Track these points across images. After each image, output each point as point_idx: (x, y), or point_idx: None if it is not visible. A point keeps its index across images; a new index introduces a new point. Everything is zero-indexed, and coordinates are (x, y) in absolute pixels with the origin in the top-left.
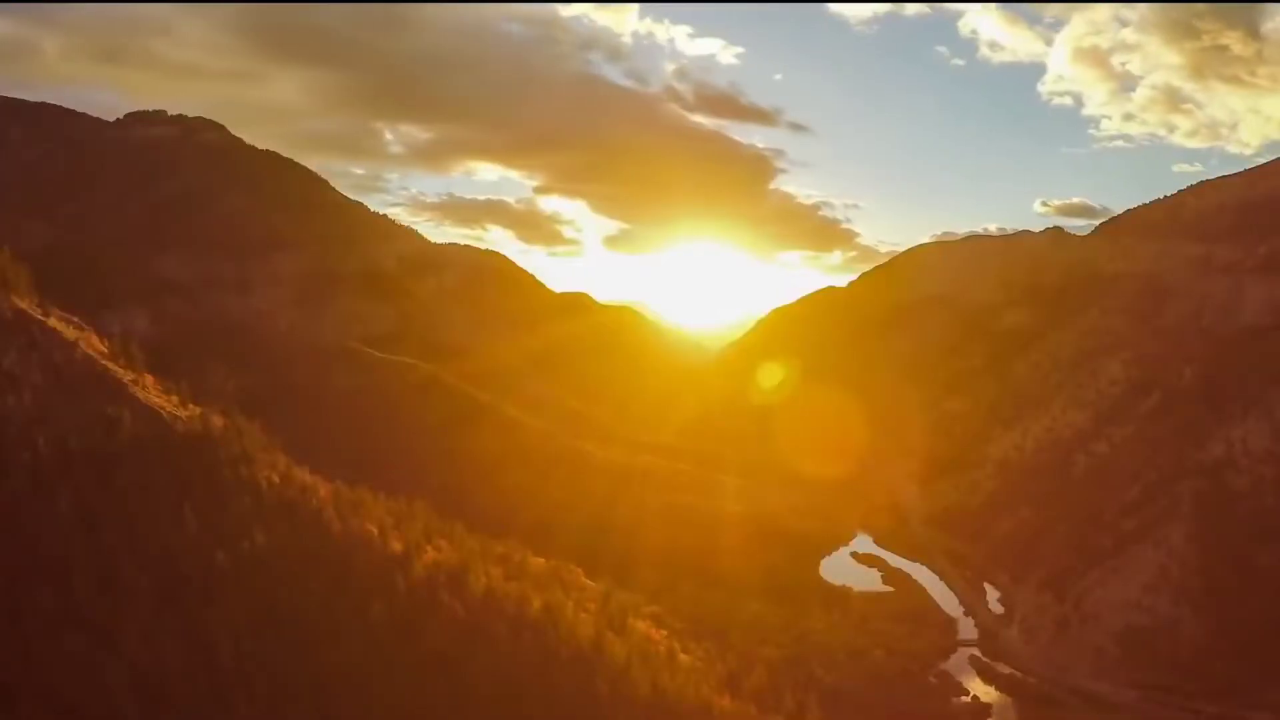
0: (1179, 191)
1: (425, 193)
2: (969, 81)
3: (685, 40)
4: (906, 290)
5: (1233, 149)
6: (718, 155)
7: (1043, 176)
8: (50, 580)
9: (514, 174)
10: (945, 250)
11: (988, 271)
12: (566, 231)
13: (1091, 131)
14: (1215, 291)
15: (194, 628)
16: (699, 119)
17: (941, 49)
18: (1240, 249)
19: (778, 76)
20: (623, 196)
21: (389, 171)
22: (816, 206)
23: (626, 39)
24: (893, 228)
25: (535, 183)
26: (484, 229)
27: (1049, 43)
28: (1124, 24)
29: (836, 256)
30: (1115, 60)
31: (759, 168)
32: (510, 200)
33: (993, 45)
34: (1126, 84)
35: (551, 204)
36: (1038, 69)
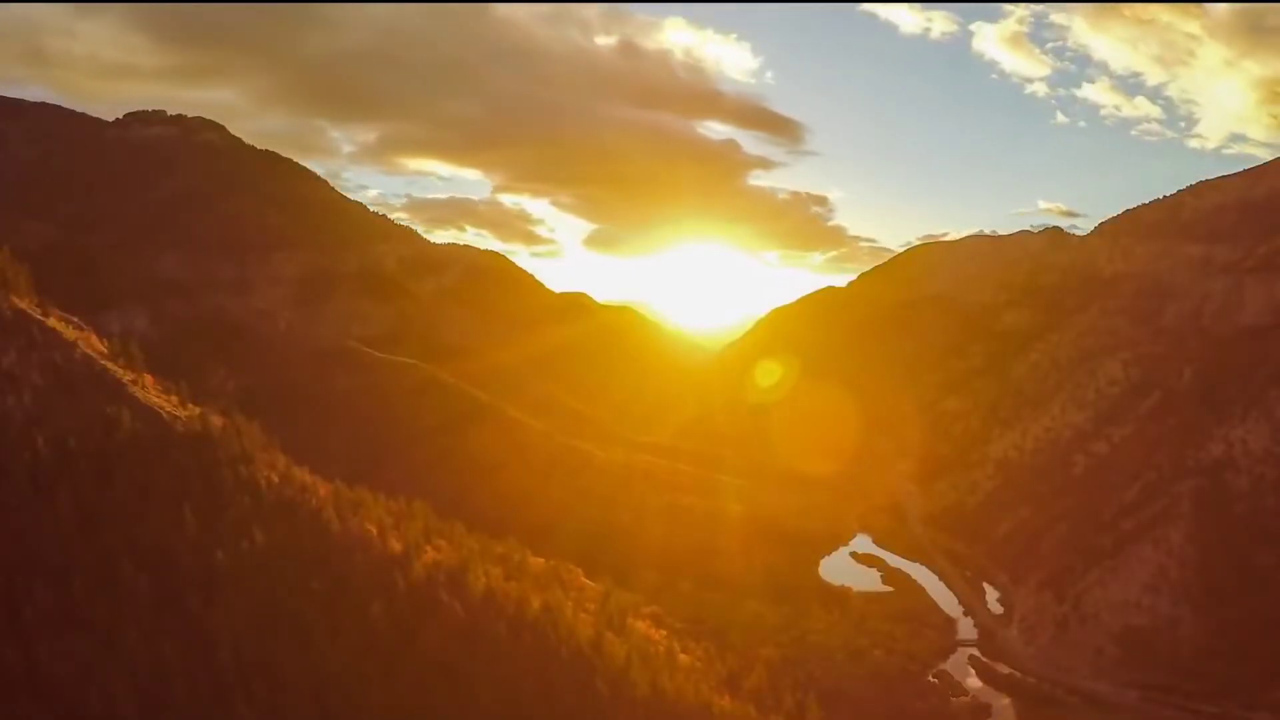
0: (1178, 191)
1: (386, 194)
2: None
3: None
4: (906, 290)
5: None
6: (683, 151)
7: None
8: (50, 580)
9: (472, 173)
10: (945, 250)
11: (987, 272)
12: (540, 231)
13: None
14: (1215, 292)
15: (194, 627)
16: (669, 115)
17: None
18: (1240, 249)
19: (769, 72)
20: (593, 197)
21: (345, 170)
22: (795, 202)
23: (591, 39)
24: (879, 224)
25: (494, 181)
26: (461, 229)
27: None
28: None
29: (818, 257)
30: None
31: (729, 163)
32: (475, 199)
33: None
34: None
35: (515, 202)
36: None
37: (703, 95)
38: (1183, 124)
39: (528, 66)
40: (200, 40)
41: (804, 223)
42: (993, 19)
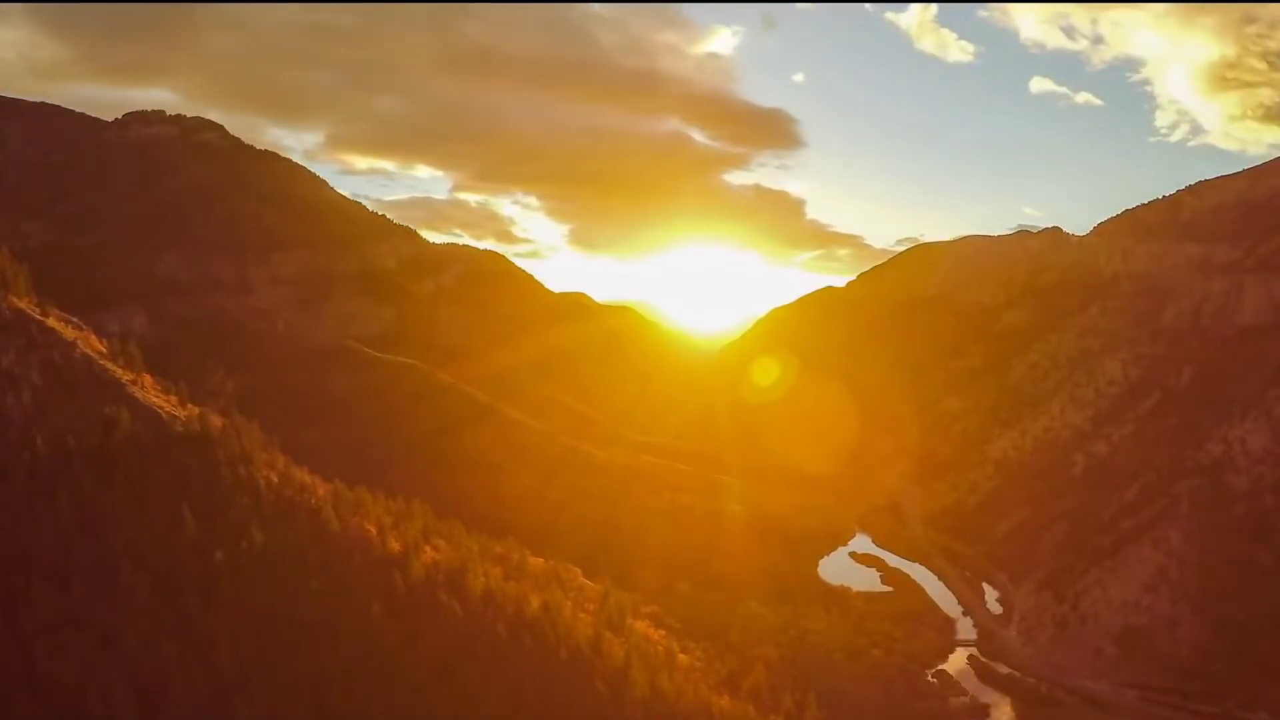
0: (1177, 191)
1: (352, 195)
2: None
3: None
4: (906, 291)
5: None
6: (641, 146)
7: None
8: (49, 580)
9: (426, 170)
10: (944, 250)
11: (986, 272)
12: (515, 231)
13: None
14: (1214, 292)
15: (193, 627)
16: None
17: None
18: (1239, 249)
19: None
20: (559, 195)
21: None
22: (768, 198)
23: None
24: (863, 222)
25: (453, 179)
26: (434, 230)
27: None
28: None
29: (801, 255)
30: None
31: (695, 160)
32: (438, 199)
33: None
34: None
35: (480, 201)
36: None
37: (665, 91)
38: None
39: (474, 65)
40: (111, 38)
41: (780, 219)
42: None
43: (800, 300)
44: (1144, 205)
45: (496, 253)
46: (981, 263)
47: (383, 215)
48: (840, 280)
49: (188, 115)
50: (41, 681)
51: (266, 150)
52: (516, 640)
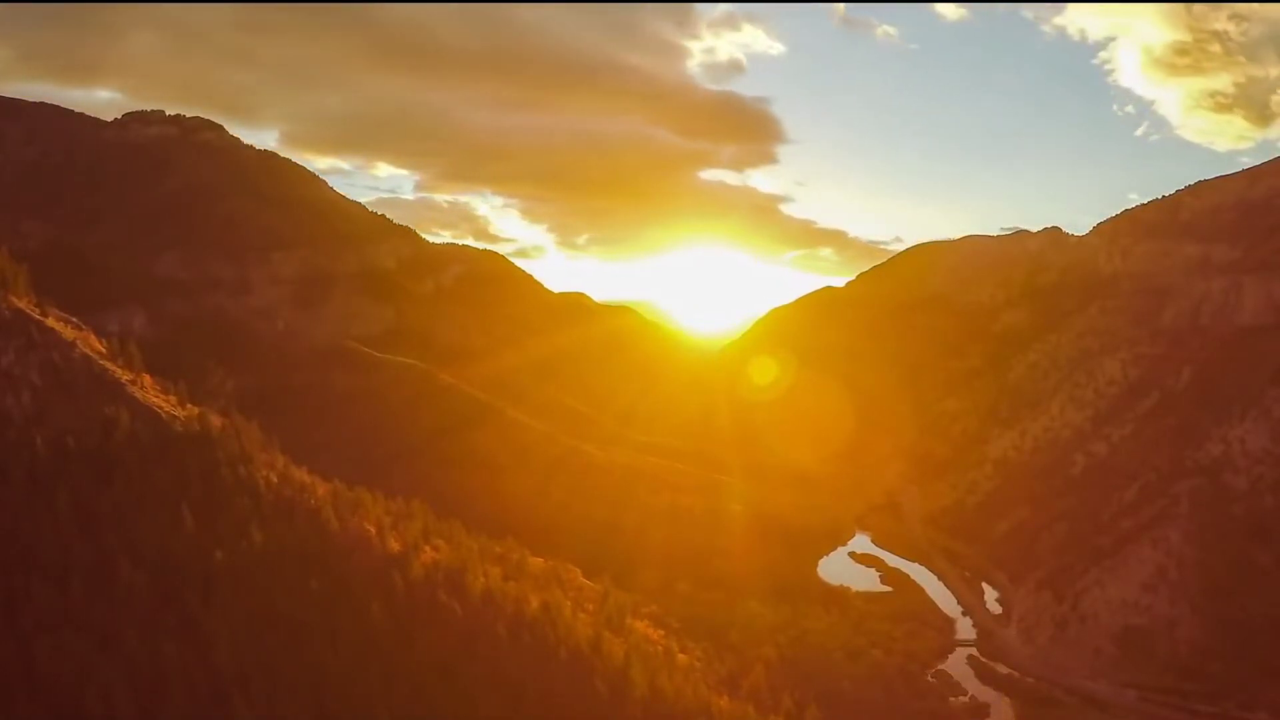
0: (1177, 191)
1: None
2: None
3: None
4: (905, 291)
5: None
6: (608, 146)
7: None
8: (48, 580)
9: (392, 169)
10: (943, 250)
11: (986, 272)
12: (494, 230)
13: None
14: (1213, 291)
15: (192, 627)
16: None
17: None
18: (1238, 249)
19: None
20: (532, 195)
21: None
22: (749, 195)
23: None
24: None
25: (417, 178)
26: (432, 231)
27: None
28: None
29: (789, 254)
30: None
31: (671, 156)
32: (407, 197)
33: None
34: None
35: (449, 201)
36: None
37: (627, 87)
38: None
39: (409, 61)
40: (43, 38)
41: (759, 216)
42: None
43: (800, 300)
44: (1143, 205)
45: (496, 253)
46: (981, 263)
47: (382, 215)
48: (832, 279)
49: (186, 115)
50: (40, 681)
51: (266, 150)
52: (516, 640)
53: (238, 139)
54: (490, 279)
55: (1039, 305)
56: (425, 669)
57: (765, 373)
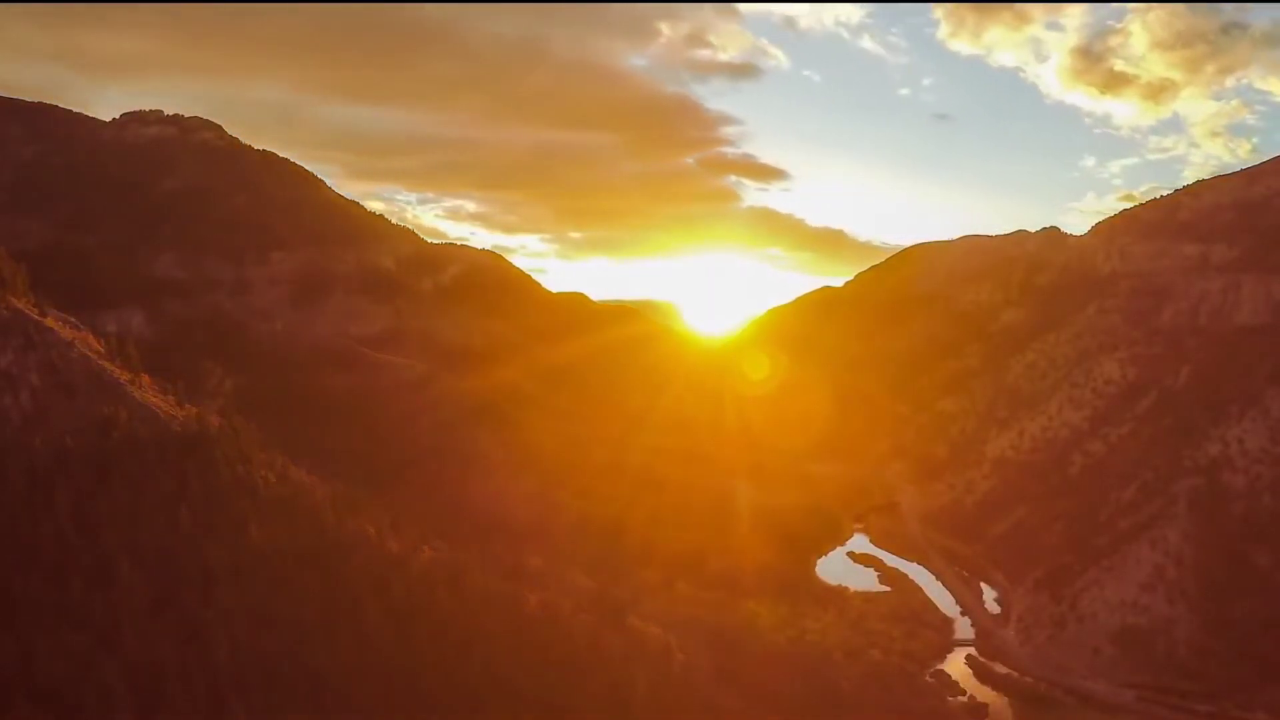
0: (1176, 191)
1: None
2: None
3: None
4: (903, 290)
5: None
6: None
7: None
8: (47, 579)
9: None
10: (942, 250)
11: (984, 271)
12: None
13: None
14: (1212, 291)
15: (191, 626)
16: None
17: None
18: (1237, 249)
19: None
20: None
21: None
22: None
23: None
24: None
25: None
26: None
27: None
28: None
29: (775, 251)
30: None
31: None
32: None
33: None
34: None
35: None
36: None
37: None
38: None
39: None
40: None
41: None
42: None
43: (798, 300)
44: (1142, 205)
45: (495, 252)
46: (978, 262)
47: (381, 215)
48: (830, 279)
49: (185, 115)
50: (40, 680)
51: (265, 150)
52: (516, 640)
53: (236, 139)
54: (489, 278)
55: (1037, 305)
56: (424, 668)
57: (763, 372)
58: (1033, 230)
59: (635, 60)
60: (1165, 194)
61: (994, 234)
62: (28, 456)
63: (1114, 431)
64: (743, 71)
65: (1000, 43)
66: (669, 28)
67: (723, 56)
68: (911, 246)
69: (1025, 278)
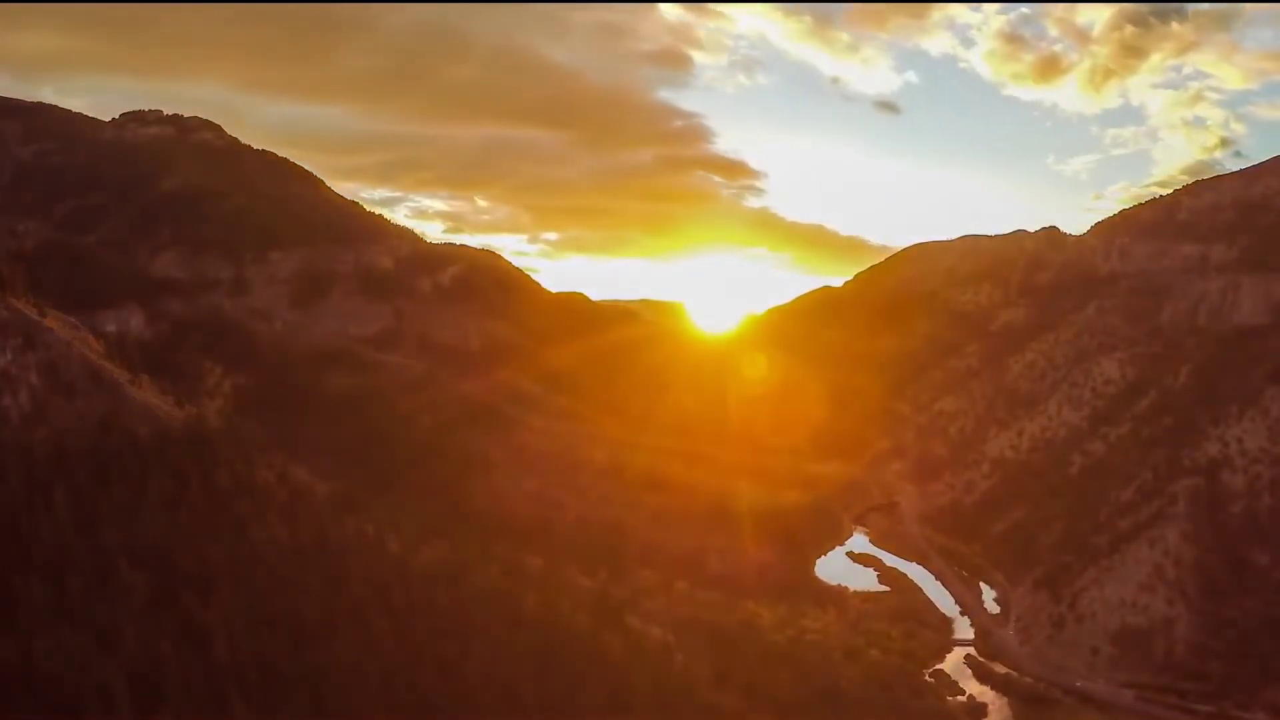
0: (1175, 191)
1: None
2: None
3: None
4: (902, 290)
5: None
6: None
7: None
8: (47, 578)
9: None
10: (941, 250)
11: (983, 271)
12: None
13: None
14: (1211, 291)
15: (190, 626)
16: None
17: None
18: (1236, 248)
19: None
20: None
21: None
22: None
23: None
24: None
25: None
26: None
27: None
28: None
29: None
30: None
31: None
32: None
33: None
34: None
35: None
36: None
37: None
38: None
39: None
40: None
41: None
42: None
43: (797, 300)
44: (1141, 204)
45: (494, 252)
46: (978, 261)
47: (380, 215)
48: (829, 279)
49: (184, 115)
50: (39, 679)
51: (264, 150)
52: (516, 639)
53: (236, 139)
54: (488, 278)
55: (1036, 305)
56: (423, 666)
57: (761, 372)
58: (1032, 230)
59: (560, 53)
60: (1148, 191)
61: (993, 234)
62: (27, 456)
63: (1113, 431)
64: (676, 63)
65: (912, 30)
66: (585, 19)
67: (646, 47)
68: (910, 246)
69: (1024, 278)
